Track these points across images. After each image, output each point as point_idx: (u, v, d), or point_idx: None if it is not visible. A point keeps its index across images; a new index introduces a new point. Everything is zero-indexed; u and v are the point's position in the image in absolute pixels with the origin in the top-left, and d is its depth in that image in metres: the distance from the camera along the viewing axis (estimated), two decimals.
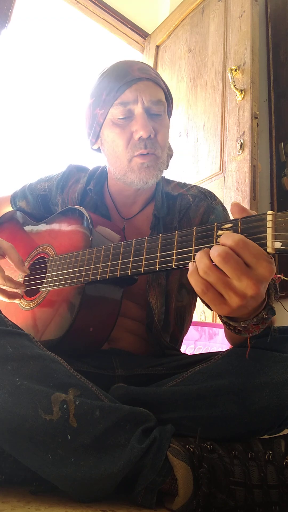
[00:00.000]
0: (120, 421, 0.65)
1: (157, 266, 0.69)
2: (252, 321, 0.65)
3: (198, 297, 1.08)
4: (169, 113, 1.10)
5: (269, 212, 0.57)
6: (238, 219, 0.60)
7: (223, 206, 1.08)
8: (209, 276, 0.59)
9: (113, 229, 0.95)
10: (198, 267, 0.60)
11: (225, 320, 0.67)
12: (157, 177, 0.98)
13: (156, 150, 0.97)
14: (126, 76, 0.97)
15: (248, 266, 0.57)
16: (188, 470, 0.62)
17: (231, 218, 0.66)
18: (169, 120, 1.12)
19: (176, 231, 0.68)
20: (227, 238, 0.58)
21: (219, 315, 0.69)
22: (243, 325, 0.66)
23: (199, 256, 0.60)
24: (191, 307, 1.06)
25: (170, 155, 1.14)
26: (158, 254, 0.70)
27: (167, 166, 1.13)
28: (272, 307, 0.65)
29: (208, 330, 1.65)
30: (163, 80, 1.06)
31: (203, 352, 1.55)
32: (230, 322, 0.67)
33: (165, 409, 0.74)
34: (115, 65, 1.02)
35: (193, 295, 1.05)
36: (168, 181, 1.14)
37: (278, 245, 0.55)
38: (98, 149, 1.09)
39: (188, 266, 0.63)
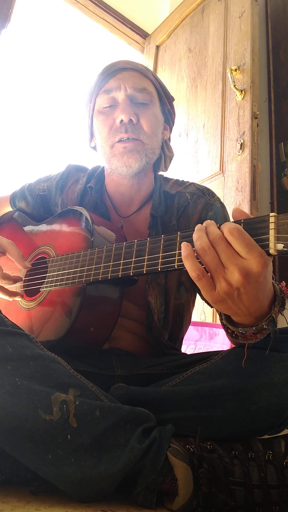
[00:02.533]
0: (120, 421, 0.65)
1: (159, 267, 0.70)
2: (251, 329, 0.65)
3: (197, 294, 1.08)
4: (168, 113, 1.10)
5: (272, 214, 0.58)
6: (240, 220, 0.61)
7: (221, 202, 1.08)
8: (207, 255, 0.59)
9: (114, 229, 0.95)
10: (196, 244, 0.61)
11: (225, 323, 0.68)
12: (141, 161, 0.98)
13: (140, 136, 0.98)
14: (112, 67, 1.02)
15: (239, 255, 0.58)
16: (188, 470, 0.62)
17: (230, 215, 0.67)
18: (172, 119, 1.12)
19: (179, 232, 0.68)
20: (225, 225, 0.60)
21: (220, 318, 0.69)
22: (241, 331, 0.66)
23: (197, 235, 0.61)
24: (190, 304, 1.06)
25: (170, 157, 1.14)
26: (160, 255, 0.70)
27: (167, 168, 1.13)
28: (274, 319, 0.64)
29: (209, 330, 1.66)
30: (155, 76, 1.07)
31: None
32: (229, 326, 0.67)
33: (165, 409, 0.74)
34: (106, 64, 1.06)
35: (191, 293, 1.05)
36: (166, 180, 1.14)
37: (280, 246, 0.56)
38: (95, 147, 1.10)
39: None
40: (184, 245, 0.62)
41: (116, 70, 1.01)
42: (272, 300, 0.64)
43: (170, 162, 1.14)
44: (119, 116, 0.97)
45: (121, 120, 0.96)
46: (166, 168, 1.13)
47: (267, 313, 0.64)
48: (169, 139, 1.14)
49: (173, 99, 1.11)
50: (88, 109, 1.06)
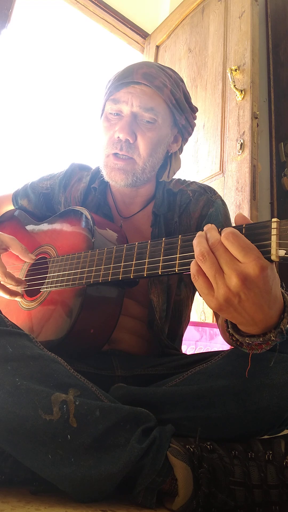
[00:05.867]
0: (120, 421, 0.65)
1: (159, 271, 0.69)
2: (258, 339, 0.63)
3: (196, 292, 1.08)
4: (182, 127, 1.04)
5: (274, 219, 0.57)
6: (242, 225, 0.60)
7: (222, 200, 1.08)
8: (206, 260, 0.58)
9: (115, 230, 0.95)
10: (195, 250, 0.60)
11: (231, 332, 0.67)
12: (127, 180, 0.97)
13: (134, 155, 0.97)
14: (128, 76, 0.98)
15: (237, 260, 0.57)
16: (188, 470, 0.62)
17: (231, 216, 0.66)
18: (187, 131, 1.07)
19: (180, 236, 0.68)
20: (223, 230, 0.59)
21: (225, 326, 0.68)
22: (247, 341, 0.64)
23: (197, 240, 0.61)
24: (189, 300, 1.07)
25: (174, 170, 1.11)
26: (161, 258, 0.70)
27: (169, 178, 1.10)
28: (282, 330, 0.63)
29: (209, 330, 1.66)
30: (173, 91, 0.99)
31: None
32: (235, 335, 0.66)
33: (165, 409, 0.74)
34: (128, 65, 1.02)
35: (190, 288, 1.06)
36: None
37: (282, 253, 0.55)
38: None
39: (190, 272, 0.62)
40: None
41: (130, 82, 0.97)
42: (281, 311, 0.63)
43: (174, 174, 1.12)
44: (117, 132, 0.96)
45: (119, 137, 0.96)
46: (168, 178, 1.10)
47: (276, 324, 0.62)
48: (181, 149, 1.11)
49: (196, 110, 1.07)
50: (102, 105, 1.05)
